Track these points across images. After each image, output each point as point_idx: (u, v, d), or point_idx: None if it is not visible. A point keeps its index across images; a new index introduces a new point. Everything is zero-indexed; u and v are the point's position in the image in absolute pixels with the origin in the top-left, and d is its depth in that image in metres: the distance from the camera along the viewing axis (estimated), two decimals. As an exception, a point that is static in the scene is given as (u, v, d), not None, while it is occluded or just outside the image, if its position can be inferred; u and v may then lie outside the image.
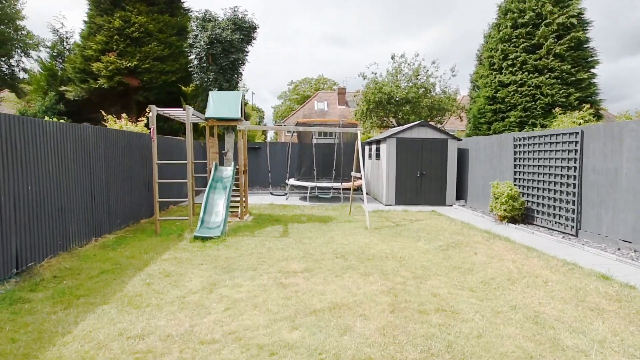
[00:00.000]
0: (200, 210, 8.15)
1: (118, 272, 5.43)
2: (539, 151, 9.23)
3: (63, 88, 16.31)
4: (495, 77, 17.75)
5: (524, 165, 9.76)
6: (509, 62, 17.16)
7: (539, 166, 9.24)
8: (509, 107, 17.26)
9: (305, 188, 13.94)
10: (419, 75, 21.93)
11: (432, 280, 5.23)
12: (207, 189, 8.57)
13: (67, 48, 18.33)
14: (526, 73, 16.68)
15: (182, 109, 7.68)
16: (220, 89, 14.62)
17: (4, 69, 23.25)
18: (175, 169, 11.73)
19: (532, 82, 16.43)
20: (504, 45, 17.25)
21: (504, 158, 10.70)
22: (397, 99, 21.42)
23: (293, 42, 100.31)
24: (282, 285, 4.95)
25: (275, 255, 6.43)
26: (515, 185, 9.80)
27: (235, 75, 15.17)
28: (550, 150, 8.84)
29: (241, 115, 9.79)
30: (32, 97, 17.67)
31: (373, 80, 22.20)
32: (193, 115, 8.56)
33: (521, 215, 9.71)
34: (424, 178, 12.97)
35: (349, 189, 15.14)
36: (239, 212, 9.64)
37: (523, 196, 9.72)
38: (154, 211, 9.90)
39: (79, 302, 4.34)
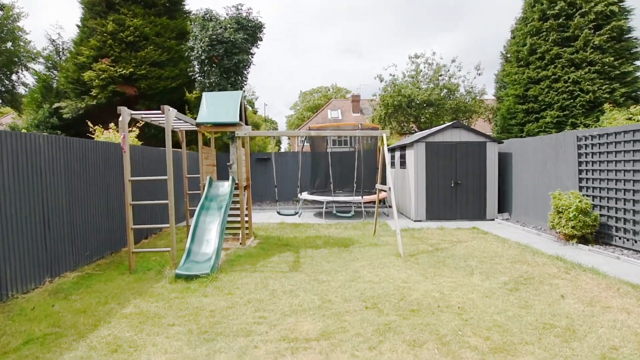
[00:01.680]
0: (187, 238, 6.42)
1: (49, 342, 3.71)
2: (617, 152, 7.24)
3: (57, 104, 15.07)
4: (524, 74, 15.92)
5: (595, 171, 7.75)
6: (537, 56, 15.38)
7: (617, 171, 7.24)
8: (543, 106, 15.39)
9: (320, 203, 12.17)
10: (441, 75, 20.06)
11: (524, 355, 3.33)
12: (197, 209, 6.87)
13: (63, 59, 17.23)
14: (560, 67, 14.83)
15: (160, 112, 6.04)
16: (223, 94, 13.09)
17: (5, 84, 22.41)
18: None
19: (570, 78, 14.54)
20: (532, 39, 15.47)
21: (562, 162, 8.71)
22: (418, 101, 19.57)
23: (308, 55, 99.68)
24: (286, 369, 3.14)
25: (280, 304, 4.63)
26: (582, 195, 7.80)
27: (240, 78, 13.61)
28: (635, 151, 6.84)
29: (241, 119, 8.14)
30: (26, 111, 16.54)
31: (392, 82, 20.44)
32: (178, 119, 6.92)
33: (593, 234, 7.68)
34: (460, 188, 11.02)
35: (371, 203, 13.31)
36: (240, 235, 7.91)
37: (594, 209, 7.70)
38: (138, 238, 8.27)
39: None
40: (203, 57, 12.97)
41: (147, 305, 4.64)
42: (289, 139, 44.61)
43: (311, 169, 13.71)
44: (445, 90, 20.12)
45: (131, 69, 13.33)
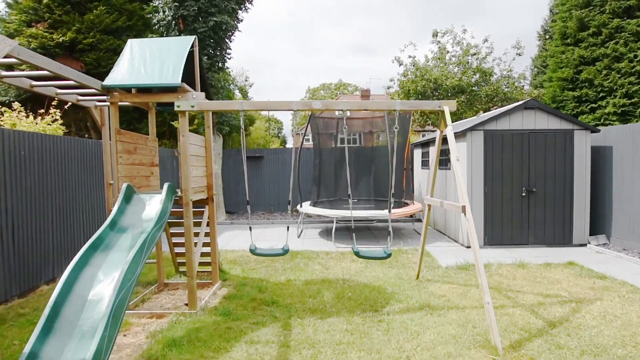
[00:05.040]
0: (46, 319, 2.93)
1: None
2: None
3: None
4: (573, 53, 12.42)
5: None
6: (591, 32, 11.94)
7: None
8: (601, 93, 11.89)
9: (329, 218, 8.68)
10: (474, 54, 16.46)
11: None
12: (82, 250, 3.37)
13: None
14: (622, 43, 11.38)
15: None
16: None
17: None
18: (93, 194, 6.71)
19: (638, 55, 11.10)
20: (582, 12, 12.07)
21: None
22: (446, 87, 15.98)
23: (319, 53, 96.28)
24: None
25: None
26: None
27: (219, 49, 10.17)
28: None
29: (192, 85, 4.72)
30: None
31: (413, 64, 16.90)
32: (48, 73, 3.46)
33: None
34: (534, 198, 7.46)
35: (409, 217, 9.89)
36: (188, 292, 4.40)
37: None
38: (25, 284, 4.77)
39: None
40: (169, 19, 9.53)
41: None
42: (293, 136, 41.04)
43: (313, 171, 10.25)
44: (477, 75, 16.53)
45: (72, 36, 9.92)
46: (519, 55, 17.13)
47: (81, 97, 4.81)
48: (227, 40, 10.30)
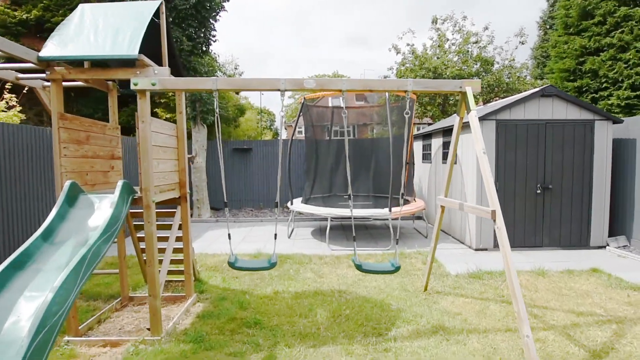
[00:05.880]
0: None
1: None
2: None
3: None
4: (575, 42, 11.77)
5: None
6: (596, 21, 11.31)
7: None
8: (605, 84, 11.27)
9: (322, 216, 7.89)
10: (476, 42, 15.66)
11: None
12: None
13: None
14: (627, 32, 10.74)
15: None
16: (180, 51, 8.70)
17: None
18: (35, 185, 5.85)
19: None
20: (584, 1, 11.45)
21: None
22: (446, 76, 15.20)
23: (314, 45, 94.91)
24: None
25: None
26: None
27: (203, 29, 9.24)
28: None
29: (158, 60, 3.88)
30: None
31: (412, 52, 16.06)
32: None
33: None
34: (550, 196, 6.75)
35: (411, 216, 9.11)
36: (151, 314, 3.59)
37: None
38: None
39: None
40: (145, -6, 8.56)
41: None
42: (285, 128, 39.89)
43: (306, 166, 9.44)
44: (478, 64, 15.76)
45: (38, 13, 8.92)
46: (522, 43, 16.37)
47: (21, 75, 3.93)
48: (211, 21, 9.38)
